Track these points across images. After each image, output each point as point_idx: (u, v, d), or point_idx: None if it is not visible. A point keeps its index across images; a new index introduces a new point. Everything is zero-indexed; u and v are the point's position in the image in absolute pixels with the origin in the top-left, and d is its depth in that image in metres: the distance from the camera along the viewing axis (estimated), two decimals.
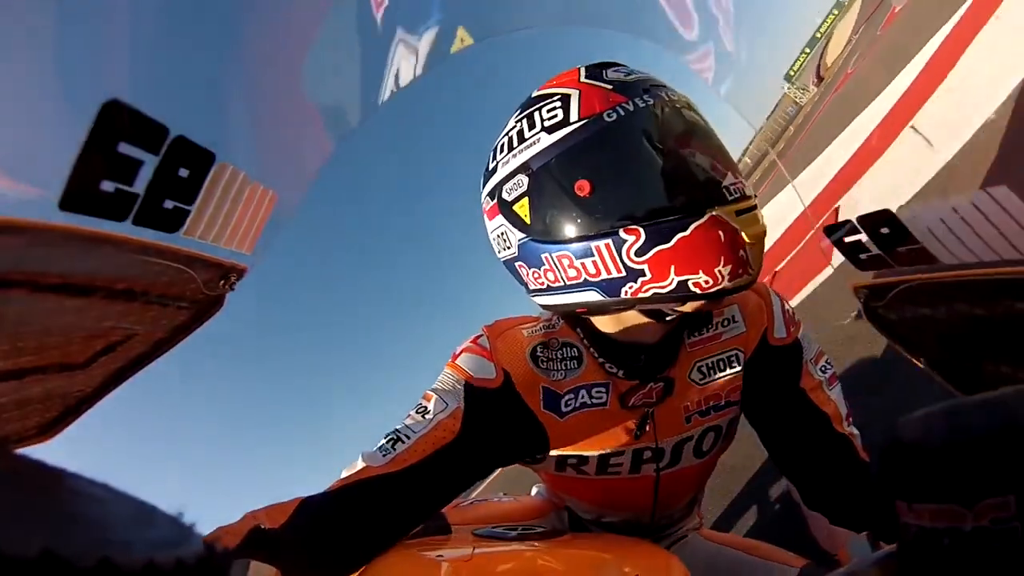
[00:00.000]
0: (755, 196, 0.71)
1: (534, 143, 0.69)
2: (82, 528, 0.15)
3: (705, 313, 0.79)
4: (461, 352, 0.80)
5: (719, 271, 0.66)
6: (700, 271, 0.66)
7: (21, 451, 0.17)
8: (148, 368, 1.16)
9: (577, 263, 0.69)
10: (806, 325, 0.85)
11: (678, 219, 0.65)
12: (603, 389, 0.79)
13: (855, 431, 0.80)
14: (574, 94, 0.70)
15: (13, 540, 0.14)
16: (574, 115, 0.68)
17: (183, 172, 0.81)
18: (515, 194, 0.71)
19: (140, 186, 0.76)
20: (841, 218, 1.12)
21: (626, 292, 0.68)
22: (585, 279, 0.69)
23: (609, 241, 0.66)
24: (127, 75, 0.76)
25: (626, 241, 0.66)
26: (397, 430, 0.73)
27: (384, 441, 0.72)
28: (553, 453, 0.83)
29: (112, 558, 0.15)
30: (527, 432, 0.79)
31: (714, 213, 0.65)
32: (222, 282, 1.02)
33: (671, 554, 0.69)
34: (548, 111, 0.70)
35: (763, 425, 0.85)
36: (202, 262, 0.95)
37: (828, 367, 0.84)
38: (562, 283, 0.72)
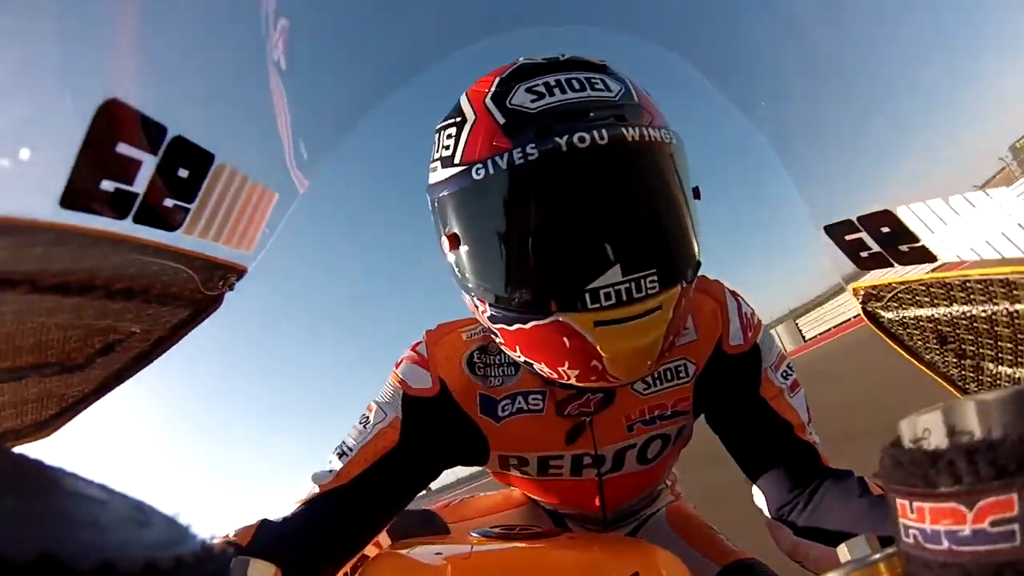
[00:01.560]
0: (657, 293, 0.58)
1: (434, 170, 0.68)
2: (79, 530, 0.15)
3: None
4: (402, 361, 0.81)
5: (563, 371, 0.63)
6: (543, 363, 0.64)
7: (19, 449, 0.17)
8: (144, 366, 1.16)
9: (461, 295, 0.71)
10: None
11: (518, 313, 0.61)
12: (540, 396, 0.78)
13: (816, 439, 0.77)
14: (468, 123, 0.64)
15: (10, 543, 0.13)
16: (458, 155, 0.63)
17: (183, 172, 0.81)
18: (429, 207, 0.72)
19: (140, 186, 0.76)
20: None
21: (496, 340, 0.70)
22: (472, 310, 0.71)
23: (468, 297, 0.68)
24: (129, 74, 0.76)
25: (479, 306, 0.66)
26: (343, 443, 0.75)
27: (331, 457, 0.74)
28: (495, 454, 0.84)
29: (111, 561, 0.15)
30: (466, 436, 0.79)
31: (560, 319, 0.58)
32: (221, 282, 1.02)
33: (670, 554, 0.69)
34: (447, 137, 0.67)
35: (725, 433, 0.82)
36: (201, 262, 0.95)
37: (790, 372, 0.80)
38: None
